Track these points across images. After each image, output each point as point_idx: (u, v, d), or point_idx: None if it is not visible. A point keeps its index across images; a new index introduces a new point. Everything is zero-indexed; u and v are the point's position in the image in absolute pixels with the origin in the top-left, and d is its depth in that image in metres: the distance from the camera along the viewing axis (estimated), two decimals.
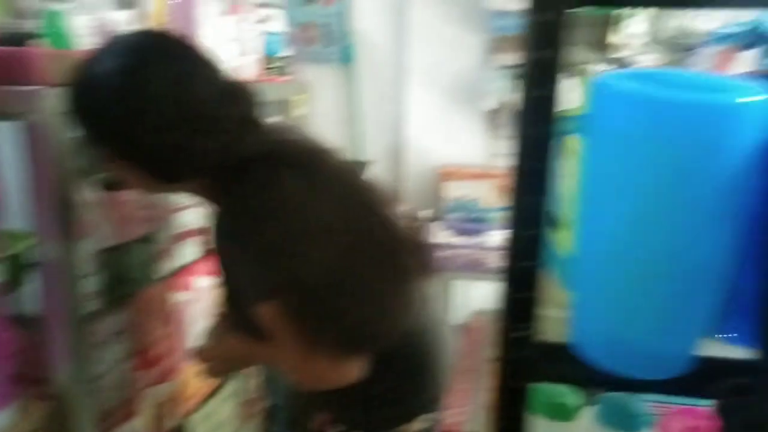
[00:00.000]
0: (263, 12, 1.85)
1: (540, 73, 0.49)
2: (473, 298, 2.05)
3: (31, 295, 1.23)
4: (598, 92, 0.46)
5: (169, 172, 0.87)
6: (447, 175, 2.13)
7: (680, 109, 0.41)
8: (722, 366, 0.53)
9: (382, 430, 1.07)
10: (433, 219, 2.09)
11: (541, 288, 0.57)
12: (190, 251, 1.44)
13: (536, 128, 0.51)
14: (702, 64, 1.79)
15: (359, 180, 0.92)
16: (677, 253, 0.46)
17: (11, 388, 0.99)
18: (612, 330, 0.52)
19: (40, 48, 0.95)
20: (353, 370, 0.90)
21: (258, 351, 1.00)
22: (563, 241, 0.57)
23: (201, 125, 0.79)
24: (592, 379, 0.59)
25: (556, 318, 0.59)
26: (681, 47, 1.80)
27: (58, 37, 1.00)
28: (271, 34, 1.91)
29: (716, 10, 1.56)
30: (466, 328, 0.87)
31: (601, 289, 0.51)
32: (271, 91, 1.93)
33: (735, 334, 0.56)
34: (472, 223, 2.04)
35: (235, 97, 0.84)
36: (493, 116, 2.17)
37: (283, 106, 2.09)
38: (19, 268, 1.21)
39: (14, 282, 1.18)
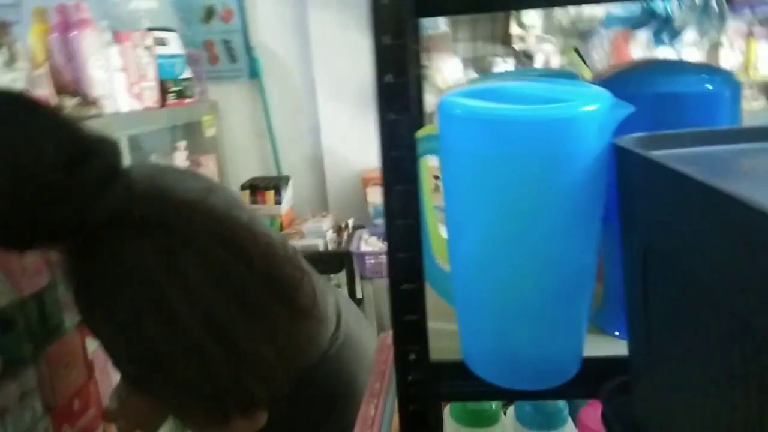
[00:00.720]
0: (156, 36, 1.79)
1: (389, 97, 0.48)
2: None
3: None
4: (441, 112, 0.45)
5: (10, 243, 0.80)
6: (369, 180, 2.12)
7: (518, 125, 0.40)
8: (608, 364, 0.53)
9: None
10: (360, 226, 2.08)
11: (427, 306, 0.56)
12: None
13: (393, 151, 0.50)
14: (600, 48, 1.85)
15: (232, 224, 0.85)
16: (542, 261, 0.46)
17: None
18: (496, 343, 0.52)
19: None
20: (255, 422, 0.86)
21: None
22: (441, 257, 0.57)
23: (43, 196, 0.73)
24: (486, 394, 0.59)
25: (449, 334, 0.59)
26: (578, 33, 1.85)
27: None
28: (167, 57, 1.85)
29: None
30: (379, 347, 0.85)
31: (478, 304, 0.51)
32: (176, 116, 1.88)
33: (617, 331, 0.57)
34: None
35: (86, 159, 0.76)
36: None
37: (193, 128, 2.03)
38: None
39: None
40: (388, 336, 0.92)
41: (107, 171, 0.76)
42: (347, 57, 2.10)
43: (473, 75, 2.02)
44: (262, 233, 0.88)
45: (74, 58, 1.44)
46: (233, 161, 2.26)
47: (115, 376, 1.44)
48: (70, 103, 1.34)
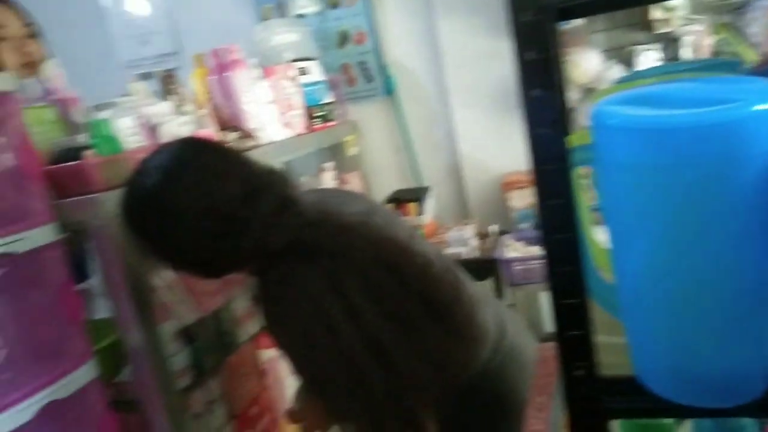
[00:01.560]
0: (299, 66, 1.91)
1: (537, 110, 0.48)
2: None
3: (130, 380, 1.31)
4: (596, 122, 0.44)
5: (207, 272, 0.92)
6: (509, 185, 2.08)
7: (684, 132, 0.38)
8: None
9: None
10: (504, 231, 2.05)
11: (592, 320, 0.55)
12: None
13: (544, 165, 0.49)
14: (757, 23, 1.67)
15: (390, 244, 0.88)
16: (718, 270, 0.43)
17: None
18: (673, 358, 0.49)
19: (92, 158, 1.03)
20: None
21: None
22: (603, 269, 0.55)
23: (229, 229, 0.82)
24: (664, 411, 0.56)
25: (617, 348, 0.57)
26: (729, 9, 1.69)
27: (107, 143, 1.08)
28: (310, 84, 1.97)
29: None
30: (540, 359, 0.84)
31: (650, 316, 0.49)
32: (322, 139, 1.99)
33: None
34: None
35: (261, 192, 0.85)
36: None
37: (337, 149, 2.14)
38: (117, 355, 1.30)
39: (116, 368, 1.27)
40: (549, 348, 0.90)
41: (281, 201, 0.84)
42: (478, 61, 2.09)
43: (614, 67, 1.91)
44: (419, 251, 0.91)
45: (230, 96, 1.58)
46: (376, 176, 2.34)
47: (287, 383, 1.55)
48: (231, 138, 1.48)
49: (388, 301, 0.81)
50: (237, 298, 1.37)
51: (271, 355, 1.49)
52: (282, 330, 0.85)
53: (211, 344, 1.28)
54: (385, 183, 2.32)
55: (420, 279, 0.85)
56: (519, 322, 1.21)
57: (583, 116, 2.12)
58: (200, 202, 0.81)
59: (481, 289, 1.14)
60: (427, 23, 2.18)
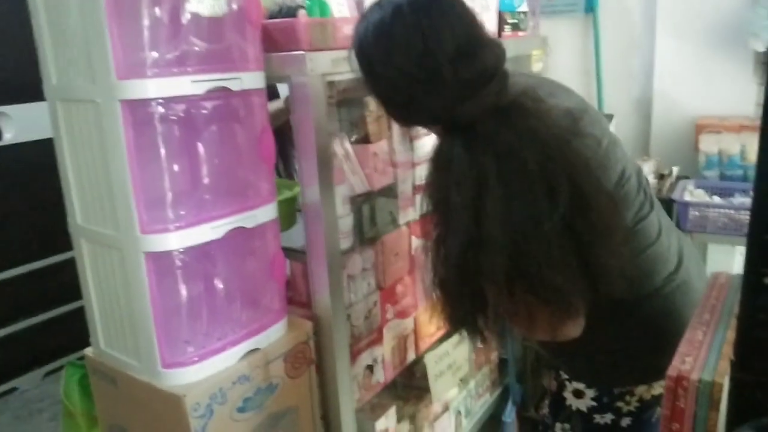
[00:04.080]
0: None
1: None
2: (730, 264, 1.83)
3: (298, 233, 1.45)
4: None
5: (401, 117, 0.96)
6: (703, 127, 1.90)
7: None
8: None
9: (619, 388, 1.06)
10: (685, 177, 1.90)
11: None
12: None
13: None
14: None
15: (573, 148, 0.84)
16: None
17: (284, 305, 1.20)
18: None
19: (305, 18, 1.10)
20: (577, 325, 0.90)
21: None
22: None
23: (426, 83, 0.82)
24: None
25: None
26: None
27: (319, 6, 1.15)
28: None
29: None
30: (709, 285, 0.79)
31: None
32: (511, 47, 1.94)
33: None
34: (730, 181, 1.80)
35: (472, 58, 0.82)
36: (762, 60, 1.86)
37: (521, 61, 2.07)
38: (292, 209, 1.44)
39: (288, 221, 1.41)
40: (721, 275, 0.85)
41: (487, 72, 0.82)
42: None
43: None
44: (606, 189, 0.89)
45: None
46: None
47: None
48: None
49: (565, 193, 0.79)
50: (403, 183, 1.44)
51: (419, 245, 1.56)
52: (471, 206, 0.81)
53: (375, 219, 1.36)
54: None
55: (591, 186, 0.82)
56: (699, 261, 1.15)
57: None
58: (412, 46, 0.82)
59: (667, 219, 1.09)
60: None
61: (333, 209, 1.21)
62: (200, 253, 1.02)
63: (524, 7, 1.99)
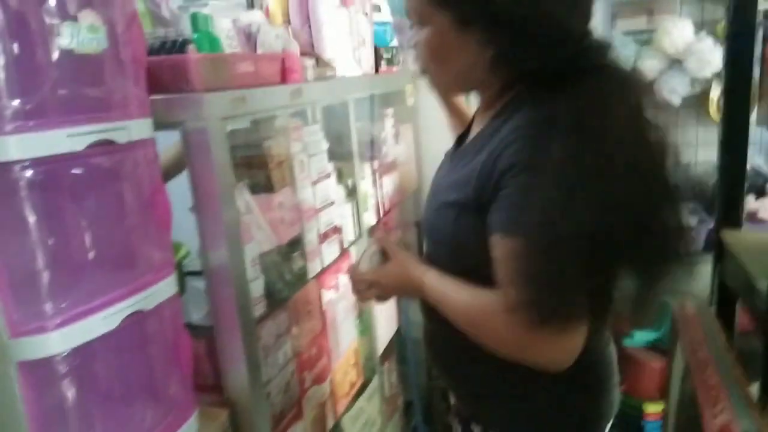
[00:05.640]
0: (373, 2, 1.81)
1: None
2: None
3: (194, 304, 1.24)
4: None
5: (500, 58, 0.84)
6: None
7: None
8: None
9: None
10: None
11: None
12: (333, 249, 1.42)
13: None
14: None
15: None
16: None
17: (193, 397, 0.99)
18: None
19: (197, 55, 0.94)
20: (575, 347, 0.80)
21: (452, 294, 0.89)
22: None
23: (543, 28, 0.78)
24: None
25: None
26: None
27: (208, 40, 0.99)
28: (381, 23, 1.87)
29: None
30: (681, 318, 0.77)
31: None
32: (387, 83, 1.90)
33: None
34: None
35: (583, 9, 0.83)
36: None
37: (396, 97, 2.04)
38: (181, 276, 1.22)
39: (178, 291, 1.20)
40: (686, 306, 0.84)
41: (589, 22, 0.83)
42: None
43: (705, 39, 1.82)
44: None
45: (311, 20, 1.49)
46: (427, 132, 2.25)
47: (342, 326, 1.49)
48: (309, 64, 1.38)
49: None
50: (309, 232, 1.30)
51: (331, 297, 1.42)
52: (551, 161, 0.74)
53: (284, 275, 1.20)
54: (438, 141, 2.23)
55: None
56: None
57: (664, 87, 2.04)
58: None
59: None
60: None
61: (244, 273, 1.04)
62: (90, 350, 0.80)
63: (395, 42, 1.97)
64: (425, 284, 0.94)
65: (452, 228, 0.89)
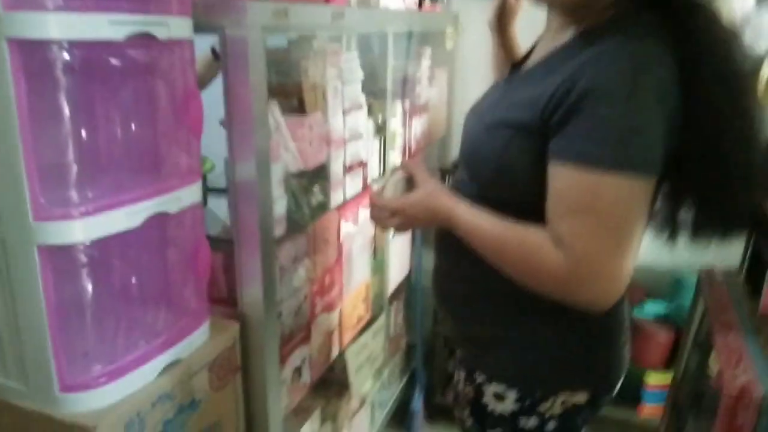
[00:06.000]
0: None
1: None
2: None
3: (214, 217, 1.24)
4: None
5: None
6: None
7: None
8: None
9: (543, 390, 0.95)
10: None
11: None
12: (356, 183, 1.40)
13: None
14: None
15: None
16: None
17: (206, 306, 1.00)
18: None
19: None
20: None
21: (486, 225, 0.86)
22: None
23: None
24: None
25: None
26: None
27: None
28: None
29: None
30: (707, 282, 0.76)
31: None
32: (427, 22, 1.84)
33: None
34: None
35: None
36: None
37: (436, 39, 1.98)
38: (204, 190, 1.22)
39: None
40: (714, 273, 0.82)
41: None
42: None
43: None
44: None
45: None
46: (462, 79, 2.20)
47: (357, 260, 1.49)
48: None
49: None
50: (335, 161, 1.28)
51: (349, 230, 1.42)
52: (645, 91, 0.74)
53: (308, 201, 1.20)
54: (470, 88, 2.18)
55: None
56: None
57: None
58: None
59: None
60: None
61: (269, 191, 1.03)
62: (111, 245, 0.80)
63: None
64: (456, 214, 0.90)
65: (501, 150, 0.85)
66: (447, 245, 0.93)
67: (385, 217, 1.00)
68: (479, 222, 0.87)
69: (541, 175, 0.81)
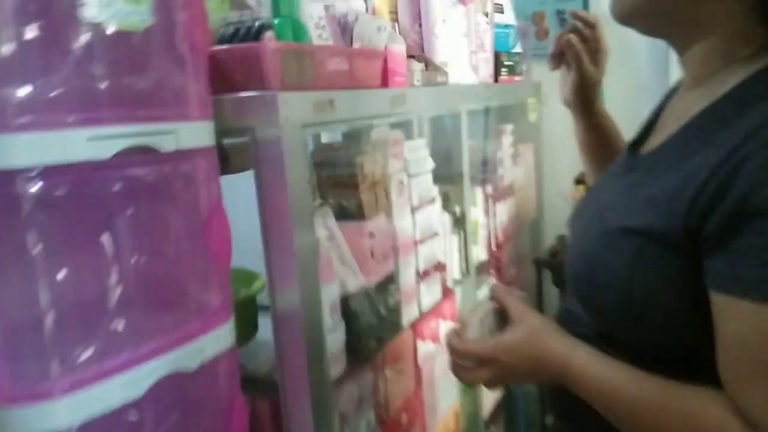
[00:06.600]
0: (495, 1, 1.56)
1: None
2: None
3: (260, 350, 1.04)
4: None
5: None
6: None
7: None
8: None
9: None
10: None
11: None
12: (434, 291, 1.17)
13: None
14: None
15: None
16: None
17: None
18: None
19: (275, 43, 0.73)
20: None
21: (626, 386, 0.59)
22: None
23: None
24: None
25: None
26: None
27: (292, 26, 0.78)
28: (502, 26, 1.61)
29: None
30: None
31: None
32: (506, 94, 1.64)
33: None
34: None
35: None
36: None
37: (517, 111, 1.77)
38: (249, 315, 1.03)
39: (244, 335, 1.00)
40: None
41: None
42: None
43: None
44: None
45: (422, 17, 1.27)
46: (551, 154, 1.96)
47: (441, 384, 1.23)
48: (417, 67, 1.16)
49: None
50: (406, 269, 1.06)
51: (429, 349, 1.17)
52: None
53: (371, 325, 0.97)
54: (560, 162, 1.93)
55: None
56: None
57: None
58: None
59: None
60: None
61: (320, 320, 0.81)
62: (107, 424, 0.60)
63: (518, 48, 1.71)
64: (574, 366, 0.63)
65: (628, 269, 0.59)
66: (569, 402, 0.66)
67: (469, 368, 0.72)
68: (613, 378, 0.60)
69: (689, 304, 0.54)
